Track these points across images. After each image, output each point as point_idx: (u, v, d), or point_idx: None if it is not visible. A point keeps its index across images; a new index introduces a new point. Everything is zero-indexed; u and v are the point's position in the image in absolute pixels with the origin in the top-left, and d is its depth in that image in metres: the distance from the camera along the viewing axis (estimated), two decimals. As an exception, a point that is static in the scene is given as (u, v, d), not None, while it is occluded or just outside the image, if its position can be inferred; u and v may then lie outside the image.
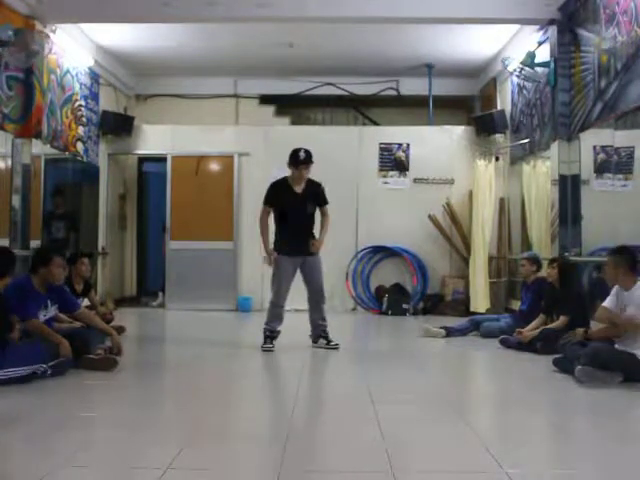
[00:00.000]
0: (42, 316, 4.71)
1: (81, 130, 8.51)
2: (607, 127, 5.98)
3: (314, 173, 9.07)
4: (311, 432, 3.25)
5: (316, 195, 5.90)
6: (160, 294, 9.52)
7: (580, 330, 4.87)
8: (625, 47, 5.52)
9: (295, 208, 5.80)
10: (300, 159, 5.76)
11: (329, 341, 5.83)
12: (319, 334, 5.87)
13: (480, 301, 8.39)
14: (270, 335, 5.76)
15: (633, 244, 5.43)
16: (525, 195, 8.12)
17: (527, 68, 7.48)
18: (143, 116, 9.93)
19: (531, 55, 7.21)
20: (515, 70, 8.10)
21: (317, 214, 5.98)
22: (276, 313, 5.82)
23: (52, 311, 4.87)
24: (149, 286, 10.45)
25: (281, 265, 5.81)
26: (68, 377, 4.36)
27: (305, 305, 8.65)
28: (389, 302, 8.86)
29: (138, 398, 4.00)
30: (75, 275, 6.33)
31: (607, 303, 4.60)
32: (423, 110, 9.78)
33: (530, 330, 5.74)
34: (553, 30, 6.92)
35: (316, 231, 5.95)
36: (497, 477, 2.58)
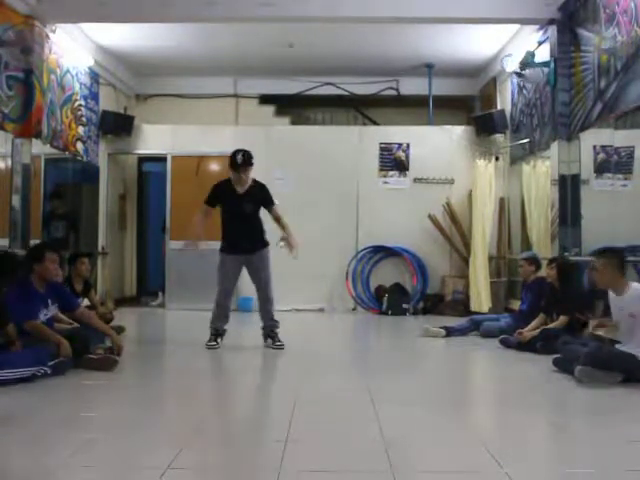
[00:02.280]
0: (43, 315, 4.70)
1: (81, 130, 8.51)
2: (607, 127, 5.98)
3: (315, 172, 9.18)
4: (311, 432, 3.25)
5: (259, 196, 5.83)
6: (160, 294, 9.52)
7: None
8: (625, 47, 5.52)
9: (234, 208, 5.78)
10: (238, 163, 5.67)
11: (275, 341, 5.82)
12: (267, 334, 5.89)
13: (481, 301, 8.38)
14: (215, 333, 5.81)
15: (634, 244, 5.44)
16: (525, 195, 8.12)
17: (526, 70, 7.47)
18: (143, 116, 9.94)
19: (530, 55, 7.21)
20: (514, 71, 8.09)
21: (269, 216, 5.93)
22: (220, 313, 5.86)
23: (53, 310, 4.86)
24: (149, 286, 10.46)
25: (223, 264, 5.86)
26: (68, 377, 4.36)
27: (303, 305, 8.66)
28: (389, 302, 8.86)
29: (138, 398, 4.00)
30: (75, 275, 6.34)
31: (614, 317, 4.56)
32: (423, 110, 9.78)
33: (530, 330, 5.74)
34: (553, 30, 6.92)
35: (275, 233, 5.91)
36: (497, 477, 2.58)
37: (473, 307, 8.41)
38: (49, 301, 4.80)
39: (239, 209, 5.76)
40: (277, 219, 5.86)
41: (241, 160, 5.67)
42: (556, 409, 3.95)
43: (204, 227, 5.89)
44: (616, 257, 4.50)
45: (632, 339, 4.39)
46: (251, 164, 5.74)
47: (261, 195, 5.83)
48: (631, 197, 5.75)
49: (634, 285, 4.44)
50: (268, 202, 5.84)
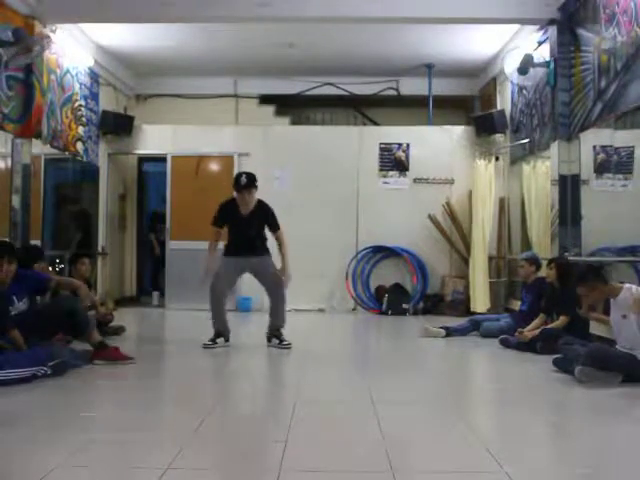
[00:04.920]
0: (12, 314, 4.54)
1: (81, 130, 8.51)
2: (607, 127, 5.98)
3: (315, 172, 9.18)
4: (311, 432, 3.25)
5: (264, 218, 5.89)
6: (154, 294, 9.57)
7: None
8: (625, 47, 5.52)
9: (240, 229, 5.85)
10: (241, 185, 5.75)
11: (281, 341, 5.82)
12: (273, 334, 5.89)
13: (480, 301, 8.38)
14: (216, 334, 5.83)
15: (634, 244, 5.45)
16: (525, 195, 8.11)
17: (525, 74, 7.42)
18: (143, 116, 9.93)
19: (529, 57, 7.17)
20: (516, 67, 8.05)
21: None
22: (215, 312, 5.91)
23: (22, 305, 4.69)
24: (149, 286, 10.46)
25: (223, 264, 5.89)
26: (68, 377, 4.36)
27: (303, 305, 8.65)
28: (389, 302, 8.86)
29: (138, 398, 4.00)
30: (75, 275, 6.34)
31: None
32: (423, 110, 9.78)
33: (530, 330, 5.74)
34: (553, 30, 6.91)
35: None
36: (497, 477, 2.58)
37: (472, 307, 8.41)
38: (14, 298, 4.61)
39: (244, 230, 5.84)
40: (279, 244, 5.91)
41: (245, 182, 5.74)
42: (556, 409, 3.96)
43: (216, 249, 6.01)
44: (592, 276, 4.49)
45: (624, 340, 4.40)
46: (255, 186, 5.80)
47: (266, 218, 5.89)
48: (631, 197, 5.75)
49: (626, 287, 4.43)
50: (273, 226, 5.91)
